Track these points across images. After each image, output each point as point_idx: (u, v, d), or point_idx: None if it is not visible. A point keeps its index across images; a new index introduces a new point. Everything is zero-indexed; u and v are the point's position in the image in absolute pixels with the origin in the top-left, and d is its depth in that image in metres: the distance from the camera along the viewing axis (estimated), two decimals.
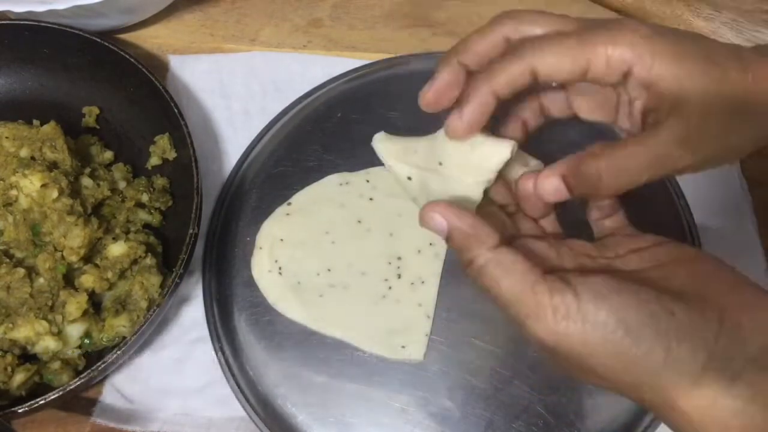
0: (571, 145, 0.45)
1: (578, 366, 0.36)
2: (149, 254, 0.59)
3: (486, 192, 0.44)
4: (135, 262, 0.59)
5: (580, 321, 0.35)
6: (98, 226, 0.58)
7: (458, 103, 0.42)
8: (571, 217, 0.46)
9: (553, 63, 0.39)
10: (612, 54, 0.38)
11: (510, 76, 0.40)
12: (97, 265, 0.58)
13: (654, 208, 0.62)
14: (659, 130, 0.38)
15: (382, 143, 0.48)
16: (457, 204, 0.41)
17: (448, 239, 0.40)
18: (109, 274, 0.57)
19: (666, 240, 0.42)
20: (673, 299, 0.36)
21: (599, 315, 0.35)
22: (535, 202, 0.43)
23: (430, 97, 0.43)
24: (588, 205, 0.45)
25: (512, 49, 0.40)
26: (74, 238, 0.56)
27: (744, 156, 0.42)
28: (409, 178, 0.47)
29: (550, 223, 0.45)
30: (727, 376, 0.35)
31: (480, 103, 0.41)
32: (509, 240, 0.41)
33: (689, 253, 0.41)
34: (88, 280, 0.57)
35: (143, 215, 0.62)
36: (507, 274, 0.37)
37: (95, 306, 0.58)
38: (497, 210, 0.44)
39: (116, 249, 0.58)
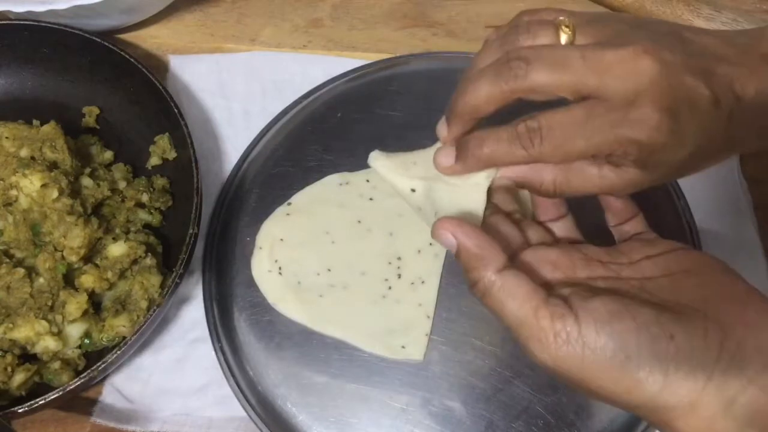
0: None
1: (578, 386, 0.37)
2: (149, 254, 0.59)
3: (491, 197, 0.44)
4: (135, 262, 0.59)
5: (580, 346, 0.36)
6: (98, 226, 0.58)
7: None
8: (591, 223, 0.46)
9: (551, 92, 0.39)
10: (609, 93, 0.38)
11: (502, 95, 0.40)
12: (97, 265, 0.58)
13: (654, 208, 0.62)
14: (625, 173, 0.40)
15: (379, 161, 0.48)
16: (466, 214, 0.42)
17: (457, 256, 0.40)
18: (109, 274, 0.57)
19: (680, 246, 0.42)
20: (674, 320, 0.36)
21: (599, 341, 0.35)
22: (543, 203, 0.44)
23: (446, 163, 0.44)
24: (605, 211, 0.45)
25: (507, 60, 0.40)
26: (74, 238, 0.56)
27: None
28: (413, 190, 0.47)
29: (566, 228, 0.45)
30: (726, 398, 0.35)
31: (463, 122, 0.42)
32: (516, 252, 0.41)
33: (700, 261, 0.41)
34: (88, 280, 0.57)
35: (143, 215, 0.62)
36: (510, 298, 0.37)
37: (95, 306, 0.58)
38: (503, 219, 0.43)
39: (116, 249, 0.58)
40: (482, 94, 0.40)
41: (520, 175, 0.42)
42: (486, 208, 0.43)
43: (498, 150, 0.41)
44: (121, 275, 0.58)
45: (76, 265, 0.57)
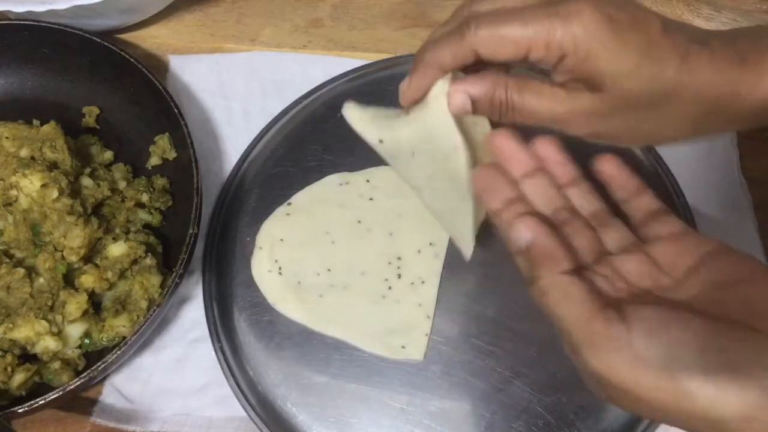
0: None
1: (626, 396, 0.37)
2: (149, 254, 0.59)
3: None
4: (135, 262, 0.59)
5: (632, 354, 0.35)
6: (98, 226, 0.58)
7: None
8: None
9: (493, 49, 0.41)
10: (551, 41, 0.40)
11: (454, 55, 0.42)
12: (97, 265, 0.58)
13: None
14: (577, 96, 0.42)
15: (351, 110, 0.49)
16: (441, 139, 0.45)
17: (527, 250, 0.40)
18: (109, 274, 0.57)
19: (721, 248, 0.42)
20: (726, 329, 0.36)
21: (650, 350, 0.35)
22: (620, 179, 0.44)
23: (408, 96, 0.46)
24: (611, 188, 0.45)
25: (461, 22, 0.42)
26: (74, 238, 0.56)
27: (665, 143, 0.45)
28: (381, 141, 0.48)
29: (648, 201, 0.44)
30: None
31: (425, 75, 0.44)
32: (579, 269, 0.41)
33: (747, 267, 0.40)
34: (88, 280, 0.57)
35: (143, 215, 0.62)
36: (568, 300, 0.38)
37: (95, 306, 0.58)
38: (576, 230, 0.43)
39: (116, 249, 0.58)
40: (439, 49, 0.43)
41: (474, 90, 0.43)
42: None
43: (439, 45, 0.43)
44: (121, 275, 0.58)
45: (76, 265, 0.57)
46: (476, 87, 0.43)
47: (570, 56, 0.40)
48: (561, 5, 0.40)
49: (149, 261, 0.58)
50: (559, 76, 0.42)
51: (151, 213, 0.63)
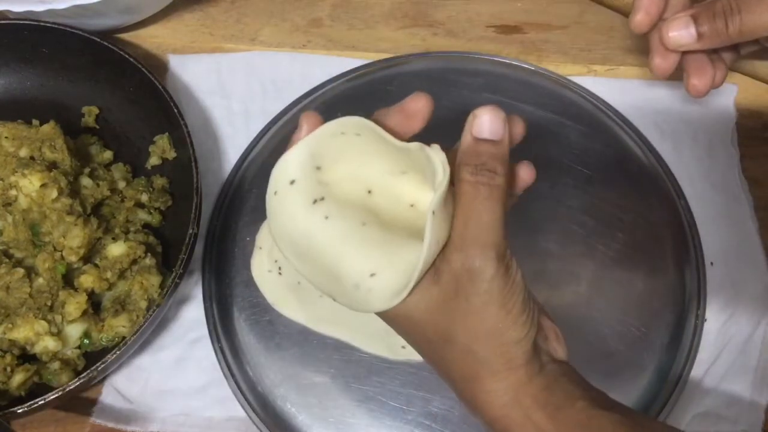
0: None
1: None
2: (149, 254, 0.59)
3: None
4: (134, 262, 0.58)
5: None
6: (98, 226, 0.58)
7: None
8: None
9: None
10: None
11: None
12: (96, 265, 0.58)
13: (654, 208, 0.62)
14: None
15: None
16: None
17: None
18: (109, 274, 0.57)
19: None
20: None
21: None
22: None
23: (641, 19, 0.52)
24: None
25: None
26: (74, 238, 0.56)
27: None
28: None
29: None
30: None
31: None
32: None
33: None
34: (87, 280, 0.57)
35: (143, 215, 0.62)
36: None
37: (95, 306, 0.58)
38: None
39: (116, 249, 0.58)
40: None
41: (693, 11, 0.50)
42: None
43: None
44: (121, 275, 0.58)
45: (75, 265, 0.57)
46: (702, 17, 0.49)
47: None
48: None
49: (149, 261, 0.58)
50: None
51: (151, 213, 0.63)
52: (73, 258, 0.56)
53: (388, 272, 0.39)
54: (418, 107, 0.41)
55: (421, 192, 0.42)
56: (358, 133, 0.41)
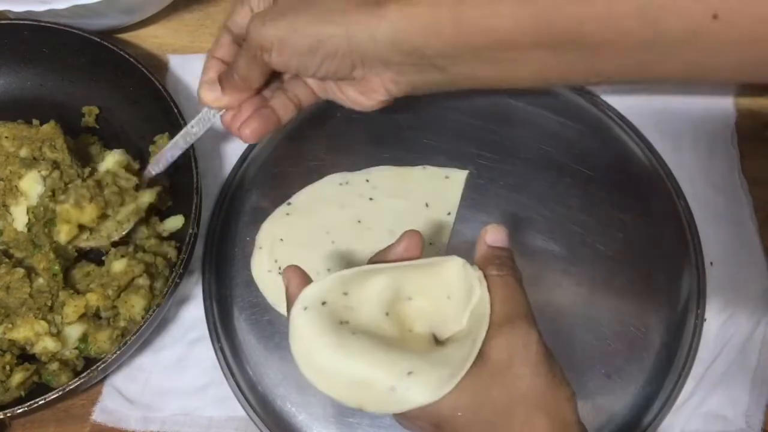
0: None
1: None
2: (145, 274, 0.58)
3: None
4: (132, 281, 0.58)
5: None
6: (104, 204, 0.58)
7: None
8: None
9: None
10: None
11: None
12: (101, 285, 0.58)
13: (654, 208, 0.62)
14: None
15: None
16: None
17: None
18: (110, 291, 0.57)
19: None
20: None
21: None
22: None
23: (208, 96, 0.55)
24: None
25: None
26: (83, 207, 0.57)
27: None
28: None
29: None
30: None
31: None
32: None
33: None
34: (92, 298, 0.57)
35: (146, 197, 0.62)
36: None
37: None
38: None
39: (117, 265, 0.58)
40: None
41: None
42: None
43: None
44: (118, 295, 0.58)
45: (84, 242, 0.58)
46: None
47: None
48: None
49: (142, 281, 0.58)
50: None
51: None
52: (85, 221, 0.57)
53: (426, 368, 0.41)
54: (414, 242, 0.46)
55: (420, 319, 0.45)
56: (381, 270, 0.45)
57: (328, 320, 0.42)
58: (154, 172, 0.60)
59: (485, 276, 0.44)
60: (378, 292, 0.44)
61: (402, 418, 0.43)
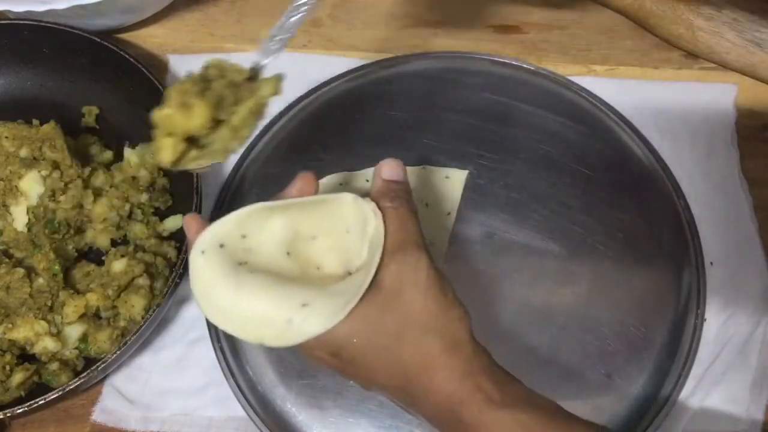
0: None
1: None
2: (145, 274, 0.58)
3: None
4: (132, 281, 0.58)
5: None
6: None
7: None
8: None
9: None
10: None
11: None
12: (101, 285, 0.58)
13: (654, 208, 0.62)
14: None
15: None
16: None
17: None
18: (110, 291, 0.57)
19: None
20: None
21: None
22: None
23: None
24: None
25: None
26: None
27: None
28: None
29: None
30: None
31: None
32: None
33: None
34: (92, 298, 0.57)
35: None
36: None
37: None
38: None
39: (117, 265, 0.58)
40: None
41: None
42: None
43: None
44: (119, 295, 0.58)
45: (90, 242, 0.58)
46: None
47: None
48: None
49: (142, 281, 0.58)
50: None
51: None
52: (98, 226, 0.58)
53: (320, 299, 0.42)
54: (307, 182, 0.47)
55: (326, 256, 0.46)
56: (286, 208, 0.46)
57: (226, 262, 0.43)
58: (266, 59, 0.47)
59: (380, 208, 0.46)
60: (275, 233, 0.45)
61: (301, 349, 0.44)
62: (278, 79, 0.46)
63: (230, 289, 0.42)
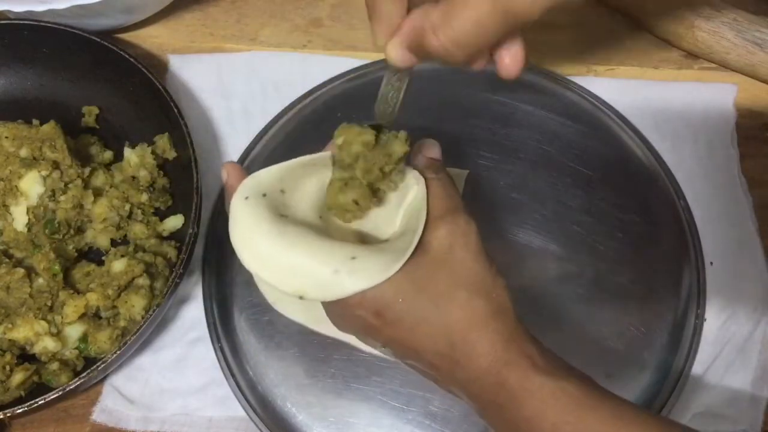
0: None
1: None
2: (145, 274, 0.58)
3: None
4: (132, 281, 0.58)
5: None
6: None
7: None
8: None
9: None
10: None
11: None
12: (101, 284, 0.58)
13: (654, 208, 0.62)
14: None
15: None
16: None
17: None
18: (110, 291, 0.57)
19: None
20: None
21: None
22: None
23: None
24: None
25: None
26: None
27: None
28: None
29: None
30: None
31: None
32: None
33: None
34: (92, 297, 0.57)
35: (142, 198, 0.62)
36: None
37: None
38: None
39: (117, 265, 0.58)
40: None
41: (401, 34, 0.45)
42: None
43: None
44: (119, 295, 0.58)
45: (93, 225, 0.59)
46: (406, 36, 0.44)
47: None
48: None
49: (142, 281, 0.58)
50: None
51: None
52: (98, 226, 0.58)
53: (370, 255, 0.41)
54: None
55: (356, 225, 0.46)
56: (325, 164, 0.46)
57: (269, 210, 0.43)
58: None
59: (425, 178, 0.46)
60: (310, 193, 0.45)
61: (342, 306, 0.43)
62: (405, 137, 0.47)
63: (273, 236, 0.41)
